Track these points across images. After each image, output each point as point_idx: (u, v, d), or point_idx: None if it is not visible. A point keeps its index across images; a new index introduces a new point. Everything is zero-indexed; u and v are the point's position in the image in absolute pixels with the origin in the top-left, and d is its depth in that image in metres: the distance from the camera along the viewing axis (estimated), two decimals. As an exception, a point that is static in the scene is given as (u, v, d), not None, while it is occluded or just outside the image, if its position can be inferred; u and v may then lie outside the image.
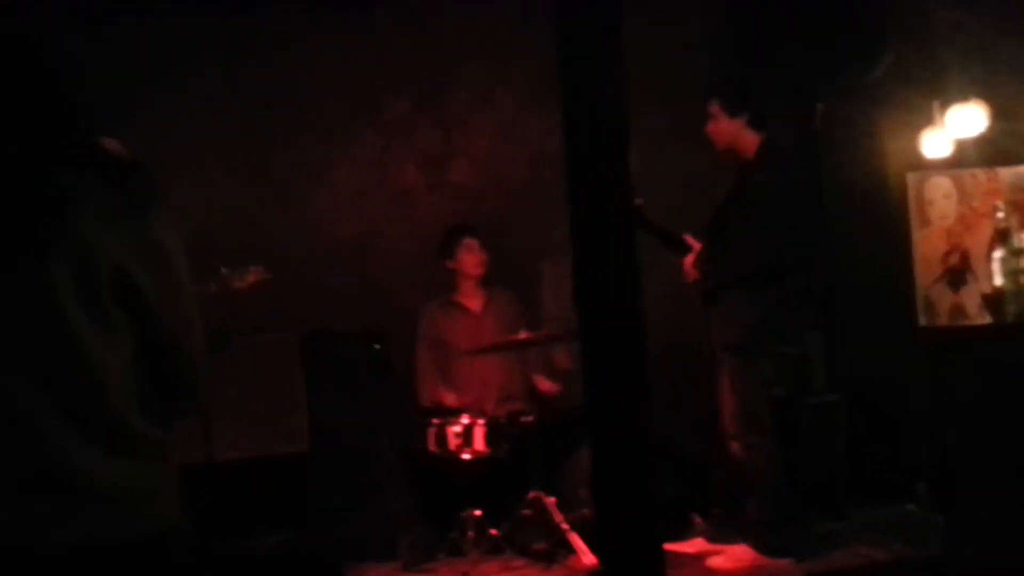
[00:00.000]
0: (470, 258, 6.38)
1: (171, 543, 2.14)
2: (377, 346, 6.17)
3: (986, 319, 6.01)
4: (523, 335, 5.98)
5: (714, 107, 5.53)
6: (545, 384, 6.24)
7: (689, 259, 5.57)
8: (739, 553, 5.28)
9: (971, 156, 6.66)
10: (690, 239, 5.61)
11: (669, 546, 5.42)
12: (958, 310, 6.55)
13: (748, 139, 5.49)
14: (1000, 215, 6.10)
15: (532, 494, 5.62)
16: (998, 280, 6.18)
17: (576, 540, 5.40)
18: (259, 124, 6.84)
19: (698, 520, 5.82)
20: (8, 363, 1.99)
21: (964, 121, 6.38)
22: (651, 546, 3.88)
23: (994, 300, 5.98)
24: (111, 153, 2.13)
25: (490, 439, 5.78)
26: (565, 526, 5.48)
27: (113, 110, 6.29)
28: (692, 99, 5.75)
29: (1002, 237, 6.15)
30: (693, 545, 5.58)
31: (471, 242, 6.39)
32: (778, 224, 5.25)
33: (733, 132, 5.50)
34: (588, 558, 5.28)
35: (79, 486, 2.01)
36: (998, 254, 6.24)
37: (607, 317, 4.08)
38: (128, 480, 2.06)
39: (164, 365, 2.13)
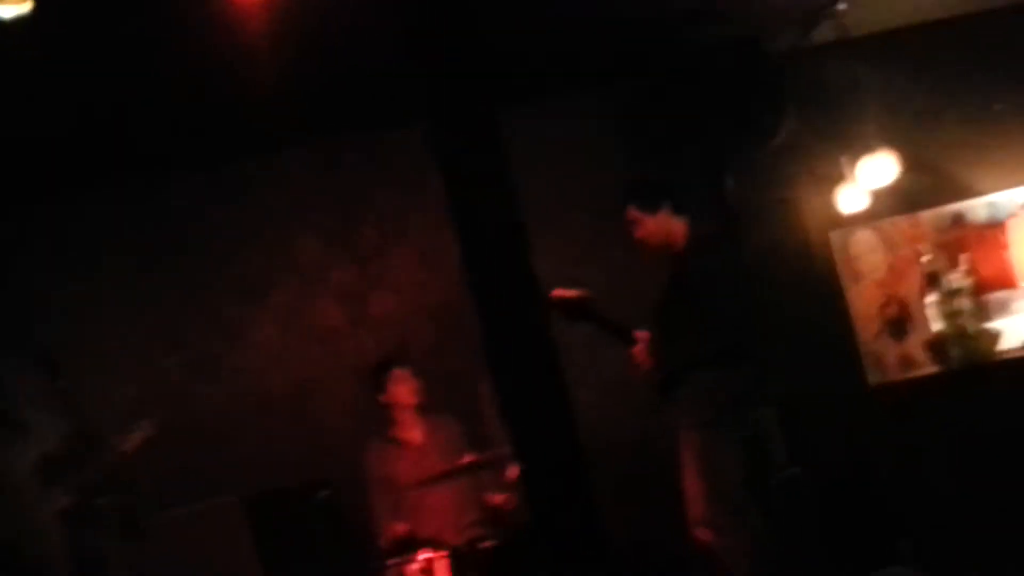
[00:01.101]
0: (402, 389, 6.24)
1: None
2: (323, 494, 6.00)
3: (933, 366, 5.95)
4: (467, 459, 5.82)
5: (633, 212, 5.42)
6: (496, 498, 6.03)
7: (639, 350, 5.43)
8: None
9: (889, 205, 6.65)
10: (637, 332, 5.48)
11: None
12: (905, 359, 6.47)
13: (675, 228, 5.39)
14: (926, 259, 6.06)
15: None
16: (936, 325, 6.09)
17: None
18: (170, 287, 6.79)
19: None
20: None
21: (876, 171, 6.38)
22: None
23: (937, 346, 5.91)
24: None
25: (454, 571, 5.59)
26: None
27: (23, 299, 6.24)
28: (606, 198, 5.69)
29: (931, 281, 6.10)
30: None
31: (400, 373, 6.26)
32: (724, 304, 5.15)
33: (659, 227, 5.40)
34: None
35: None
36: (930, 299, 6.18)
37: (535, 428, 3.96)
38: None
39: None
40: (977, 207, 6.75)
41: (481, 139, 4.33)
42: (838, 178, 6.61)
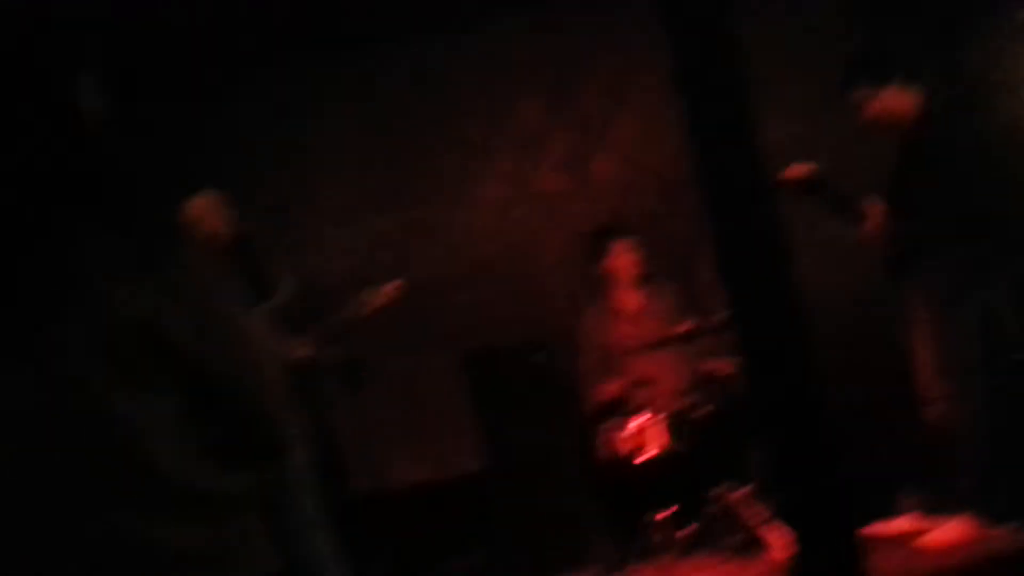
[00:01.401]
0: (621, 262, 6.19)
1: None
2: (541, 357, 6.08)
3: None
4: (685, 326, 5.79)
5: (861, 89, 5.22)
6: (714, 365, 6.00)
7: (871, 224, 5.30)
8: (956, 526, 4.93)
9: None
10: (866, 204, 5.34)
11: (877, 527, 5.22)
12: None
13: (906, 101, 5.16)
14: None
15: (720, 488, 5.42)
16: None
17: (770, 533, 5.19)
18: (395, 149, 6.89)
19: (908, 496, 5.50)
20: (40, 439, 1.82)
21: None
22: (843, 532, 3.67)
23: None
24: (127, 195, 1.91)
25: (669, 435, 5.63)
26: (758, 519, 5.26)
27: (256, 156, 6.43)
28: (835, 67, 5.50)
29: None
30: (905, 523, 5.29)
31: (620, 245, 6.20)
32: (963, 177, 4.95)
33: (889, 102, 5.17)
34: (783, 551, 5.06)
35: (144, 557, 1.83)
36: None
37: (756, 295, 3.90)
38: (195, 543, 1.86)
39: (225, 416, 1.93)
40: None
41: (708, 3, 4.23)
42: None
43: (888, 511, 5.43)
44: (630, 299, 6.27)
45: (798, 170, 5.21)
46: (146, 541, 1.83)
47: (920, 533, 5.09)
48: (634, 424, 5.65)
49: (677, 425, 5.65)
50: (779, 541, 5.08)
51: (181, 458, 1.87)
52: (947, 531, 4.96)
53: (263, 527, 1.97)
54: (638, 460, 5.60)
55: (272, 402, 1.99)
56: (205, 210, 5.13)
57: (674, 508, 5.48)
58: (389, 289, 5.37)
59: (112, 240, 1.83)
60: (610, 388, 6.08)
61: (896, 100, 5.16)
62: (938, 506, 5.18)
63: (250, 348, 1.96)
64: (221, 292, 1.93)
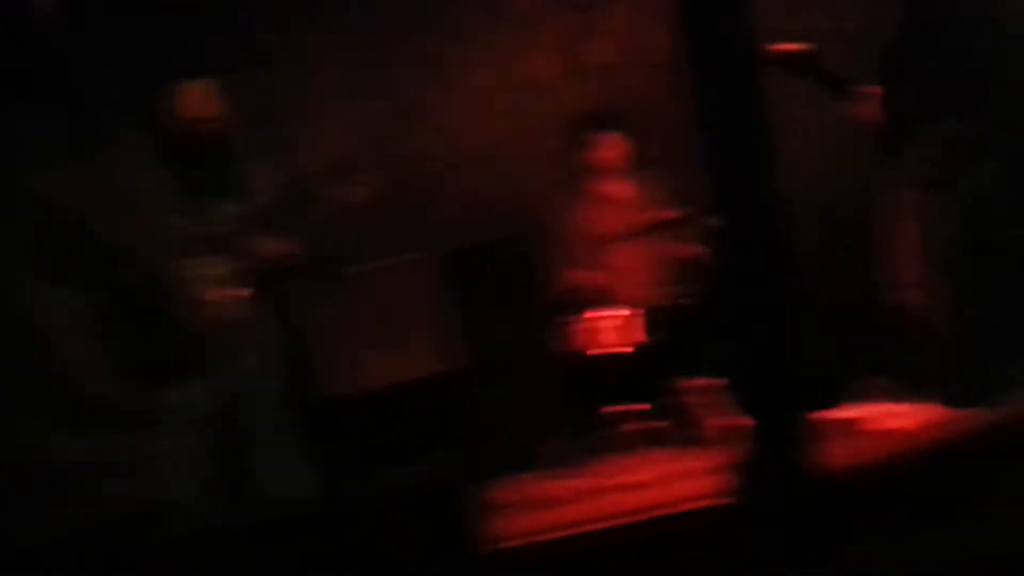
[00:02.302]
0: (608, 154, 6.04)
1: (154, 523, 1.83)
2: (520, 250, 5.96)
3: None
4: (667, 215, 5.68)
5: None
6: (685, 250, 5.86)
7: (864, 106, 5.10)
8: (921, 410, 4.87)
9: None
10: (864, 88, 5.13)
11: (838, 412, 5.13)
12: None
13: None
14: None
15: (679, 382, 5.39)
16: None
17: (727, 425, 5.02)
18: (380, 34, 6.67)
19: (873, 381, 5.43)
20: None
21: None
22: (794, 419, 3.62)
23: None
24: (68, 82, 1.84)
25: (642, 327, 5.57)
26: (715, 412, 5.17)
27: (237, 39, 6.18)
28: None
29: None
30: (870, 409, 5.19)
31: (607, 138, 6.04)
32: (964, 48, 4.82)
33: None
34: (737, 442, 4.96)
35: (38, 463, 1.77)
36: None
37: (734, 180, 3.80)
38: (96, 455, 1.79)
39: (145, 325, 1.84)
40: None
41: None
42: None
43: (851, 397, 5.38)
44: (615, 189, 6.12)
45: (788, 45, 5.03)
46: (43, 450, 1.77)
47: (883, 417, 5.02)
48: (602, 316, 5.59)
49: (652, 315, 5.59)
50: (734, 433, 4.98)
51: (91, 366, 1.80)
52: (911, 416, 4.89)
53: (175, 444, 1.88)
54: (600, 353, 5.54)
55: (195, 317, 1.91)
56: (196, 97, 4.98)
57: (630, 403, 5.44)
58: (365, 185, 5.16)
59: (45, 127, 1.76)
60: (578, 278, 5.98)
61: None
62: (902, 392, 5.15)
63: (178, 258, 1.89)
64: (159, 194, 1.84)
